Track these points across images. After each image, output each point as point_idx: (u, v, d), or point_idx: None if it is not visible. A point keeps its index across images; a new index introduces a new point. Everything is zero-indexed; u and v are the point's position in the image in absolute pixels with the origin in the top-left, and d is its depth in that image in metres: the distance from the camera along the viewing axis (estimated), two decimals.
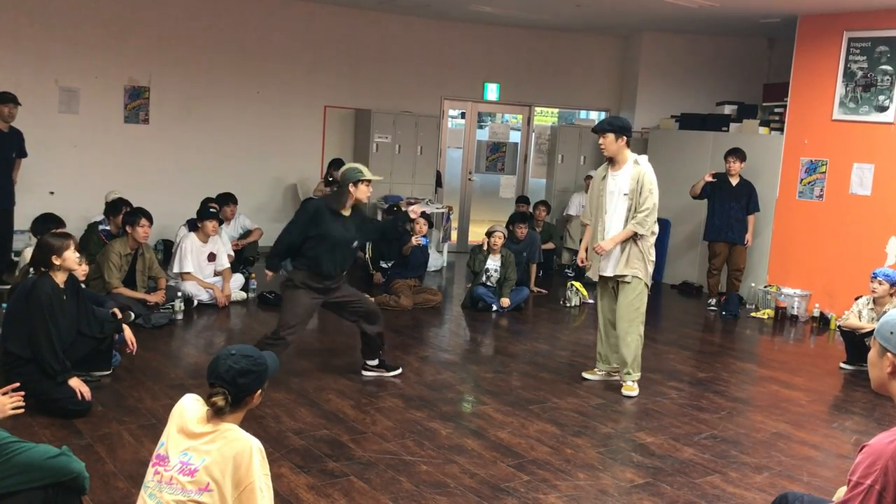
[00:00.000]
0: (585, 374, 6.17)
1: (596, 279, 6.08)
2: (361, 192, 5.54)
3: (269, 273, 5.81)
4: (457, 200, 12.15)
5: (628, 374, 5.87)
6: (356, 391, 5.54)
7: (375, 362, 5.93)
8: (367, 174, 5.55)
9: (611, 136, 5.77)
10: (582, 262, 6.17)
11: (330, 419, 4.97)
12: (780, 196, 9.20)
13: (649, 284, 5.88)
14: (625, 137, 5.79)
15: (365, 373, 5.92)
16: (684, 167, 9.88)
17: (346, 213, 5.58)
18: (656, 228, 5.83)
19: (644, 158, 5.85)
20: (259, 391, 2.81)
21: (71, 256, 4.85)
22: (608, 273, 5.89)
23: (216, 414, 2.72)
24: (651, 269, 5.87)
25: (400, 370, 5.98)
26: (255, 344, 5.10)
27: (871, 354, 2.51)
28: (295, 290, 5.51)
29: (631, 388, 5.85)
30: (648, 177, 5.72)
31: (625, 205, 5.76)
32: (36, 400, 4.63)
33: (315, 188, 10.36)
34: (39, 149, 9.03)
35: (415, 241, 8.46)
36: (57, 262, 4.79)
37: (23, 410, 3.21)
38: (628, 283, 5.80)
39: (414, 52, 11.41)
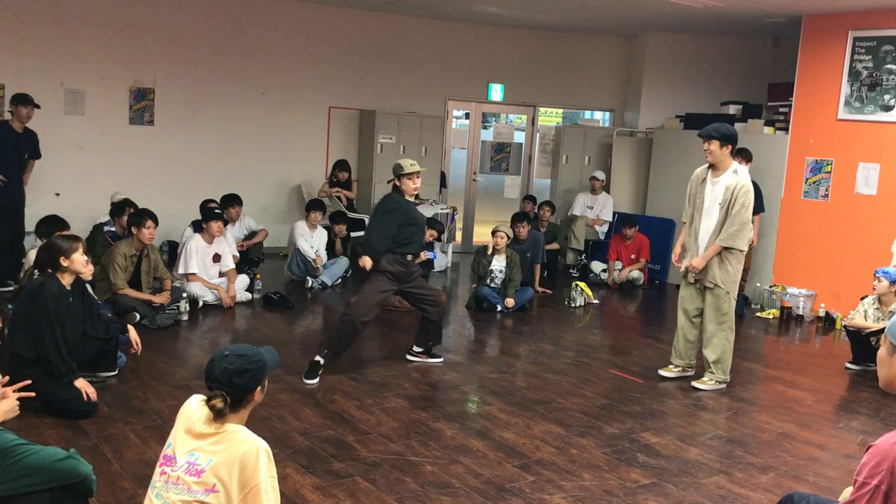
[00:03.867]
0: (662, 371, 6.27)
1: (686, 278, 6.15)
2: (407, 187, 5.96)
3: (368, 261, 6.00)
4: (461, 201, 12.16)
5: (711, 372, 6.03)
6: (361, 392, 5.55)
7: (421, 349, 6.31)
8: (407, 167, 5.93)
9: (716, 143, 5.81)
10: (676, 260, 6.27)
11: (335, 420, 4.98)
12: (785, 196, 9.18)
13: (733, 291, 5.93)
14: (730, 146, 5.83)
15: (409, 357, 6.32)
16: (689, 167, 9.74)
17: (412, 198, 6.09)
18: (751, 238, 5.92)
19: (744, 169, 5.89)
20: (259, 388, 2.80)
21: (78, 259, 4.86)
22: (698, 265, 5.96)
23: (217, 416, 2.72)
24: (738, 277, 5.94)
25: (442, 359, 6.33)
26: (335, 324, 6.10)
27: (881, 353, 2.51)
28: (377, 276, 5.90)
29: (703, 382, 6.03)
30: (744, 190, 5.74)
31: (717, 215, 5.84)
32: (42, 401, 4.64)
33: (320, 189, 10.38)
34: (45, 150, 9.02)
35: (423, 255, 8.56)
36: (64, 263, 4.81)
37: (18, 412, 3.22)
38: (711, 288, 5.91)
39: (418, 52, 11.41)
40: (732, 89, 11.17)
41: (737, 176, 5.79)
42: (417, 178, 5.98)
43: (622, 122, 12.25)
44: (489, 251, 8.40)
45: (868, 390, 6.23)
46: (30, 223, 7.64)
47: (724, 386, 6.07)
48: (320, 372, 5.71)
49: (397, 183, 5.97)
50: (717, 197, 5.84)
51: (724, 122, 9.89)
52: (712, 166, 5.93)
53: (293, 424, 4.85)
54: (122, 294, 6.83)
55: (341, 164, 10.43)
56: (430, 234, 8.94)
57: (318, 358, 5.74)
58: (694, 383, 6.04)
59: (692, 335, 6.17)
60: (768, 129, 9.52)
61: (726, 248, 5.81)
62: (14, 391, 3.23)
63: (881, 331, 2.54)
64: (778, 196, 9.18)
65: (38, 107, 7.91)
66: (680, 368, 6.25)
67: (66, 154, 9.43)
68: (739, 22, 10.02)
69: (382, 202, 6.08)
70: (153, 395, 5.21)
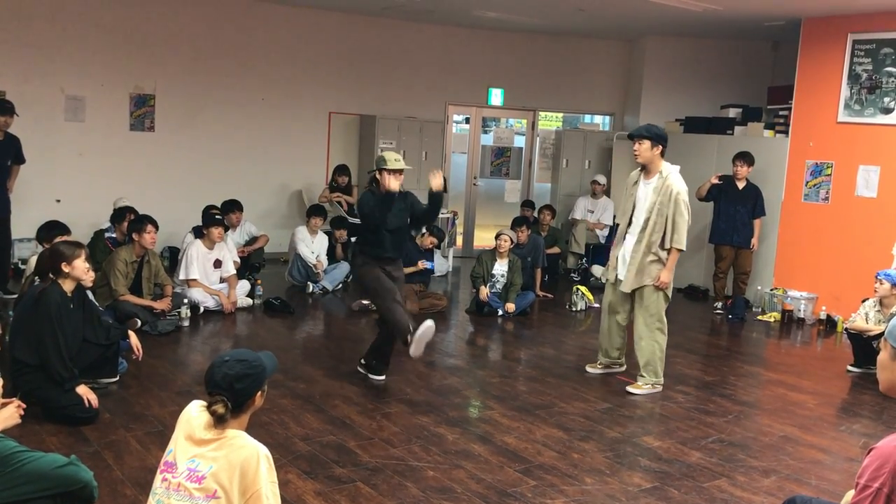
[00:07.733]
0: (588, 368, 6.37)
1: (611, 280, 6.12)
2: (387, 181, 5.55)
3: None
4: (462, 205, 12.16)
5: (642, 376, 5.99)
6: (362, 397, 5.54)
7: (366, 363, 5.97)
8: (392, 163, 5.55)
9: (647, 143, 5.79)
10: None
11: (336, 425, 4.97)
12: (785, 199, 9.18)
13: (667, 291, 5.91)
14: (660, 147, 5.81)
15: (359, 368, 6.02)
16: (689, 171, 9.68)
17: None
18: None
19: (674, 171, 5.84)
20: (259, 393, 2.81)
21: (81, 265, 4.86)
22: (626, 289, 5.94)
23: (219, 422, 2.72)
24: (671, 277, 5.92)
25: (383, 378, 5.88)
26: (385, 330, 5.72)
27: (882, 357, 2.50)
28: (364, 268, 5.70)
29: (637, 387, 5.96)
30: (674, 193, 5.72)
31: (644, 216, 5.81)
32: (43, 407, 4.66)
33: (320, 195, 10.39)
34: (45, 157, 9.07)
35: (421, 264, 8.53)
36: (66, 269, 4.81)
37: (19, 420, 3.22)
38: (646, 286, 5.88)
39: (418, 57, 11.43)
40: (732, 93, 11.18)
41: (664, 179, 5.76)
42: (400, 175, 5.55)
43: (622, 126, 12.25)
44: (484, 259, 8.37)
45: (870, 393, 6.22)
46: (31, 230, 7.64)
47: (659, 389, 5.98)
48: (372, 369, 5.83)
49: (377, 176, 5.62)
50: (647, 200, 5.81)
51: (723, 125, 10.00)
52: (644, 168, 5.91)
53: (294, 430, 4.84)
54: (123, 300, 6.82)
55: (342, 169, 10.43)
56: (430, 241, 8.93)
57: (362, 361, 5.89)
58: (628, 388, 5.96)
59: (618, 337, 6.20)
60: (768, 133, 9.53)
61: (664, 249, 5.79)
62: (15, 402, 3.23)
63: (883, 334, 2.53)
64: (778, 199, 9.18)
65: (16, 114, 7.81)
66: (604, 365, 6.34)
67: (66, 161, 9.44)
68: (738, 25, 10.03)
69: (357, 206, 6.01)
70: (154, 402, 5.21)
